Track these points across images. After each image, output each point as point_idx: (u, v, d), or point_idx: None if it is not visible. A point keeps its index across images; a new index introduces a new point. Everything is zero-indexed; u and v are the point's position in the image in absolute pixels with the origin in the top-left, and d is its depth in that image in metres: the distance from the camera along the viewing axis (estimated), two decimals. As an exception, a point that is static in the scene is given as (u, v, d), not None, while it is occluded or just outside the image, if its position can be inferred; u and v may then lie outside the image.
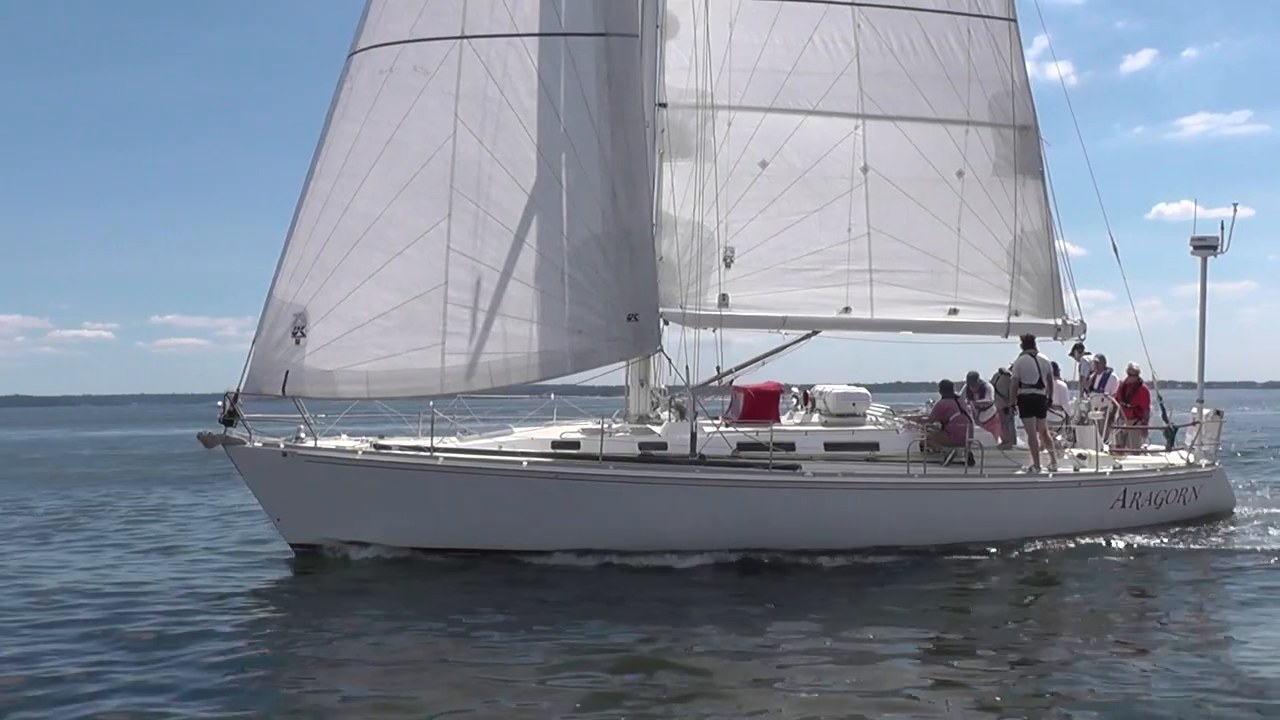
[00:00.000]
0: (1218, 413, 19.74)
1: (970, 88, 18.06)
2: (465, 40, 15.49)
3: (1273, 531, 17.91)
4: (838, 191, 17.89)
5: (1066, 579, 14.99)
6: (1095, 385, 20.25)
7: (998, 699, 9.48)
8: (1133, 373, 20.16)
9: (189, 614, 12.64)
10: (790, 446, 16.64)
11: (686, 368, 16.80)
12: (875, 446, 17.10)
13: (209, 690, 9.69)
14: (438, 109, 15.49)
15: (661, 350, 16.74)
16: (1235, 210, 19.84)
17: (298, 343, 15.54)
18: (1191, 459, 19.12)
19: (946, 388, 17.54)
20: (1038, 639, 11.89)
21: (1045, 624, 12.76)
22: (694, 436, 16.01)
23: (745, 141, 17.63)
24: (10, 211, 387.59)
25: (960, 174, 18.27)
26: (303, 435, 16.02)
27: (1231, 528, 18.42)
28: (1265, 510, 20.02)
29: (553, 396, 18.08)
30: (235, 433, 15.68)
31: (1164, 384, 20.95)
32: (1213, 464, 19.35)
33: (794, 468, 16.07)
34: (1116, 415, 19.62)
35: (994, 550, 16.18)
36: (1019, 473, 17.23)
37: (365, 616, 12.60)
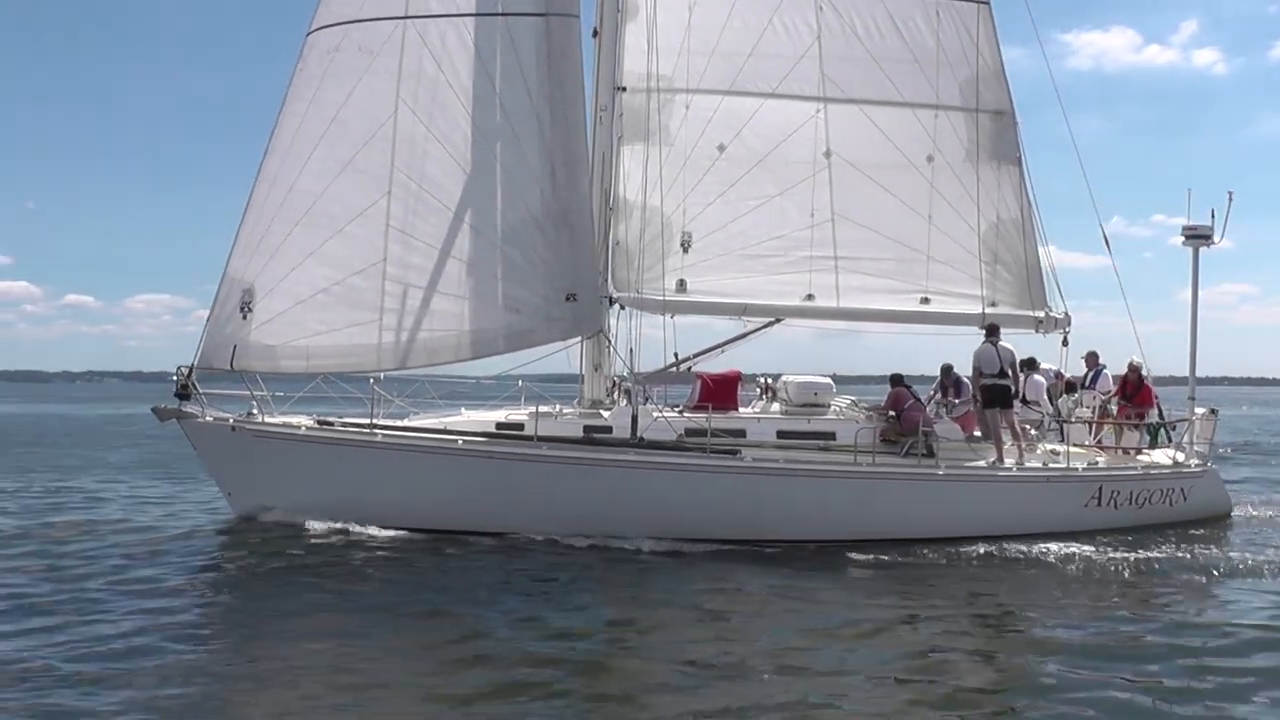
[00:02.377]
0: (1211, 411, 18.84)
1: (939, 71, 17.59)
2: (409, 20, 15.67)
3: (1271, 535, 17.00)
4: (799, 176, 17.55)
5: (1021, 583, 13.82)
6: (1086, 382, 19.54)
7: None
8: (1134, 369, 18.95)
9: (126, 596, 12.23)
10: (741, 433, 16.36)
11: (630, 350, 16.67)
12: (831, 436, 16.67)
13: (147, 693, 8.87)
14: (380, 88, 15.68)
15: (603, 332, 16.61)
16: (1230, 198, 18.99)
17: (245, 318, 15.85)
18: (1180, 458, 18.27)
19: (897, 379, 17.12)
20: (972, 652, 10.73)
21: (985, 634, 11.60)
22: (635, 419, 15.84)
23: (703, 125, 17.42)
24: (158, 194, 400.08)
25: (930, 159, 17.79)
26: (254, 411, 16.29)
27: (1224, 532, 17.48)
28: (1265, 513, 19.02)
29: (520, 384, 18.09)
30: (190, 407, 16.04)
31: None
32: (1204, 464, 18.45)
33: (733, 453, 15.77)
34: (1113, 412, 18.87)
35: (946, 548, 15.24)
36: (978, 464, 16.64)
37: (305, 605, 12.09)
